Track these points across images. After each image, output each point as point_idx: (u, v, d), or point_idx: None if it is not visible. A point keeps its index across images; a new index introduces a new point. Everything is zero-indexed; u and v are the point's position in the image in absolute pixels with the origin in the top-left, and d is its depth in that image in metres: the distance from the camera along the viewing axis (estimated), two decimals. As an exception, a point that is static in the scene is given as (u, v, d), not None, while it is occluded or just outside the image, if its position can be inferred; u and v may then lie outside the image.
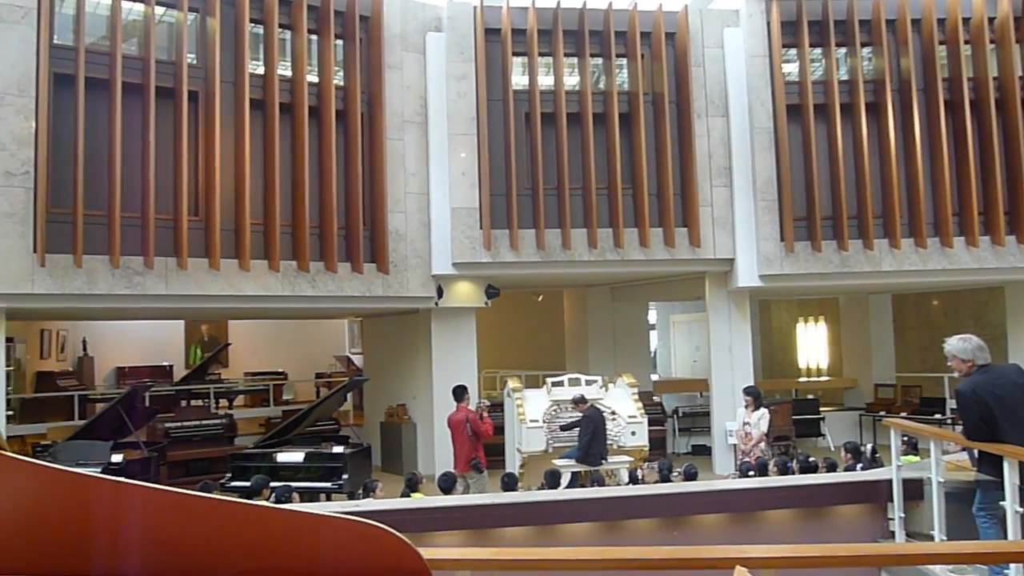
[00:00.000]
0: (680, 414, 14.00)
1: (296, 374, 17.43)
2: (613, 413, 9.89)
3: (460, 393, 9.39)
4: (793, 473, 7.99)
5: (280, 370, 17.45)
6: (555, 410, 9.97)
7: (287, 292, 9.87)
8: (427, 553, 1.83)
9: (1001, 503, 4.75)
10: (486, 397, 12.09)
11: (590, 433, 9.21)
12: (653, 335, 18.59)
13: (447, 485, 7.63)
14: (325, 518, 1.68)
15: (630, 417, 9.85)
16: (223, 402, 15.29)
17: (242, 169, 9.56)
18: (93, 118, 8.78)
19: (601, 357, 14.14)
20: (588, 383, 10.26)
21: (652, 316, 18.62)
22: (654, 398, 13.84)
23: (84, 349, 15.65)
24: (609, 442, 9.58)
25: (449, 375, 11.30)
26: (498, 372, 15.04)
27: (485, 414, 9.28)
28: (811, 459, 8.53)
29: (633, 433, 9.73)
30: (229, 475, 9.37)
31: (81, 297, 8.72)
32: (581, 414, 9.45)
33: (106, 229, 8.80)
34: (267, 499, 7.64)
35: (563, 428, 9.60)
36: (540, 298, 15.27)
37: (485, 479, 8.85)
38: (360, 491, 7.66)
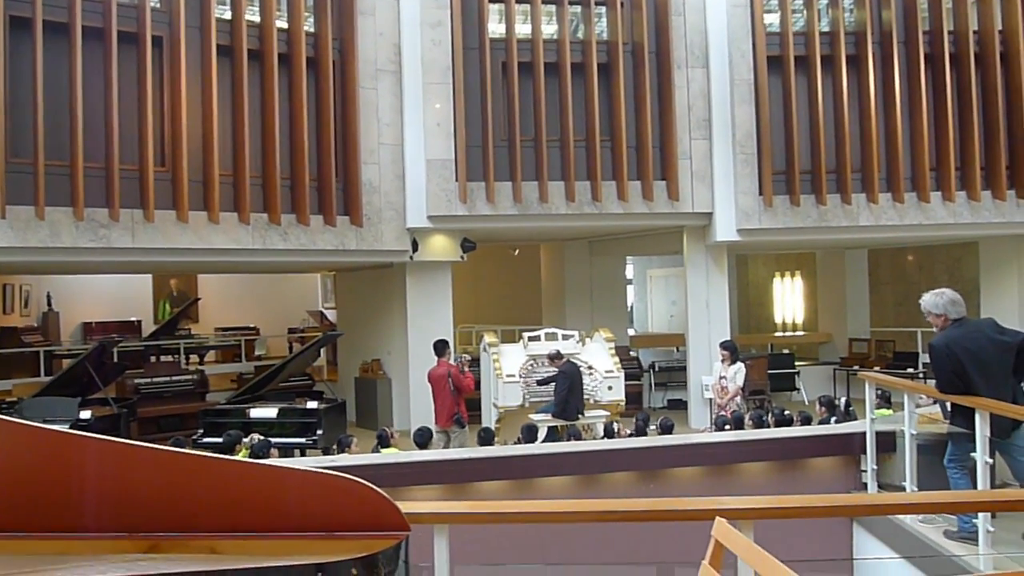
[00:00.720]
0: (656, 368, 14.13)
1: (268, 329, 17.35)
2: (590, 368, 9.97)
3: (441, 348, 9.40)
4: (768, 427, 8.11)
5: (252, 325, 17.35)
6: (532, 365, 10.03)
7: (258, 245, 9.77)
8: (404, 507, 1.84)
9: (972, 455, 4.86)
10: (463, 352, 12.11)
11: (566, 388, 9.28)
12: (630, 290, 18.66)
13: (423, 440, 7.67)
14: (301, 472, 1.68)
15: (607, 372, 9.93)
16: (194, 358, 15.20)
17: (210, 118, 9.36)
18: (53, 64, 8.52)
19: (578, 312, 14.19)
20: (565, 338, 10.31)
21: (629, 271, 18.66)
22: (631, 353, 13.93)
23: (49, 304, 15.43)
24: (586, 397, 9.65)
25: (424, 330, 11.31)
26: (474, 327, 15.06)
27: (467, 368, 9.31)
28: (786, 412, 8.66)
29: (610, 388, 9.82)
30: (201, 431, 9.36)
31: (44, 251, 8.55)
32: (557, 370, 9.52)
33: (69, 180, 8.60)
34: (242, 454, 7.69)
35: (540, 383, 9.65)
36: (516, 252, 15.22)
37: (466, 434, 8.91)
38: (335, 447, 7.68)
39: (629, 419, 8.98)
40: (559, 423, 9.32)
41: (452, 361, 9.34)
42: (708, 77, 11.26)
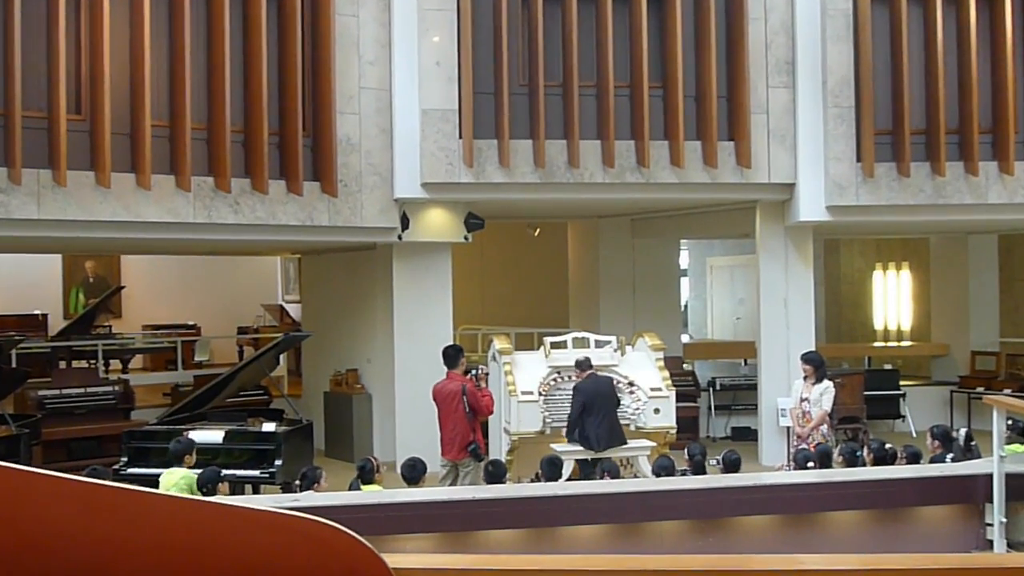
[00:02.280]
0: (718, 387, 14.17)
1: (212, 328, 17.49)
2: (631, 385, 9.96)
3: (454, 356, 9.47)
4: (864, 464, 8.10)
5: (191, 323, 17.50)
6: (555, 379, 10.03)
7: (201, 219, 9.82)
8: (391, 560, 1.84)
9: None
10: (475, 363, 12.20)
11: (579, 410, 9.35)
12: (685, 283, 18.67)
13: (414, 475, 7.70)
14: (258, 514, 1.68)
15: (653, 390, 9.91)
16: (115, 364, 15.34)
17: (140, 54, 9.40)
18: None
19: (616, 311, 14.24)
20: (598, 345, 10.31)
21: (684, 259, 18.69)
22: (684, 366, 13.92)
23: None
24: (626, 422, 9.68)
25: (415, 331, 11.33)
26: (480, 329, 15.12)
27: (484, 384, 9.41)
28: (888, 446, 8.65)
29: (657, 411, 9.79)
30: (124, 459, 9.42)
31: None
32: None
33: (-44, 131, 8.71)
34: (191, 467, 7.92)
35: (571, 426, 9.52)
36: (537, 232, 15.27)
37: (481, 469, 8.95)
38: (297, 481, 7.73)
39: (681, 452, 8.98)
40: (590, 454, 9.34)
41: (468, 374, 9.44)
42: (792, 5, 11.24)
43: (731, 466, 8.20)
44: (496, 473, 8.06)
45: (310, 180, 10.45)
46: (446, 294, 11.66)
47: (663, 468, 8.07)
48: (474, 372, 9.48)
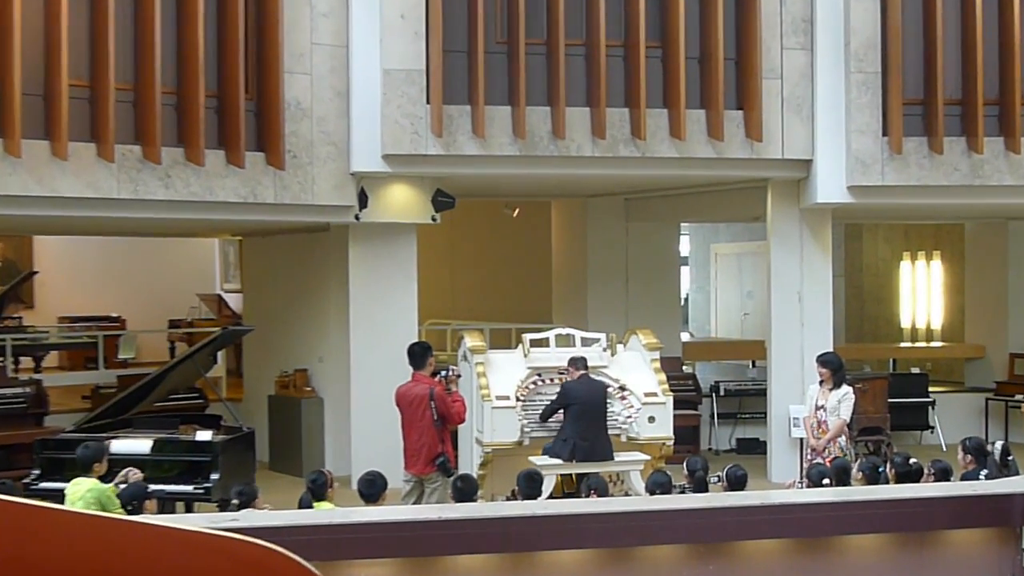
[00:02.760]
0: (722, 392, 14.21)
1: (139, 321, 17.43)
2: (622, 389, 9.99)
3: (420, 356, 9.47)
4: (887, 481, 8.14)
5: (114, 315, 17.44)
6: (536, 383, 10.06)
7: (127, 194, 9.78)
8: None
9: None
10: (444, 364, 12.20)
11: (575, 413, 9.39)
12: (686, 274, 18.72)
13: (373, 491, 7.70)
14: (192, 535, 1.67)
15: (647, 395, 9.93)
16: (26, 362, 15.23)
17: (55, 1, 9.31)
18: None
19: (606, 305, 14.27)
20: (585, 343, 10.33)
21: (685, 245, 18.72)
22: (684, 368, 13.97)
23: None
24: (616, 432, 9.72)
25: (375, 325, 11.35)
26: (450, 324, 15.11)
27: (454, 387, 9.41)
28: (913, 461, 8.70)
29: (651, 419, 9.81)
30: (36, 472, 9.36)
31: None
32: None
33: None
34: (100, 476, 7.83)
35: (544, 416, 9.73)
36: (516, 212, 15.24)
37: (451, 485, 8.95)
38: (234, 500, 7.70)
39: (680, 466, 9.02)
40: (573, 470, 9.38)
41: (436, 376, 9.43)
42: (810, -45, 11.29)
43: (736, 483, 8.24)
44: (467, 490, 8.06)
45: (253, 150, 10.42)
46: (410, 283, 11.66)
47: (659, 485, 8.09)
48: (443, 374, 9.47)
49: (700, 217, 16.40)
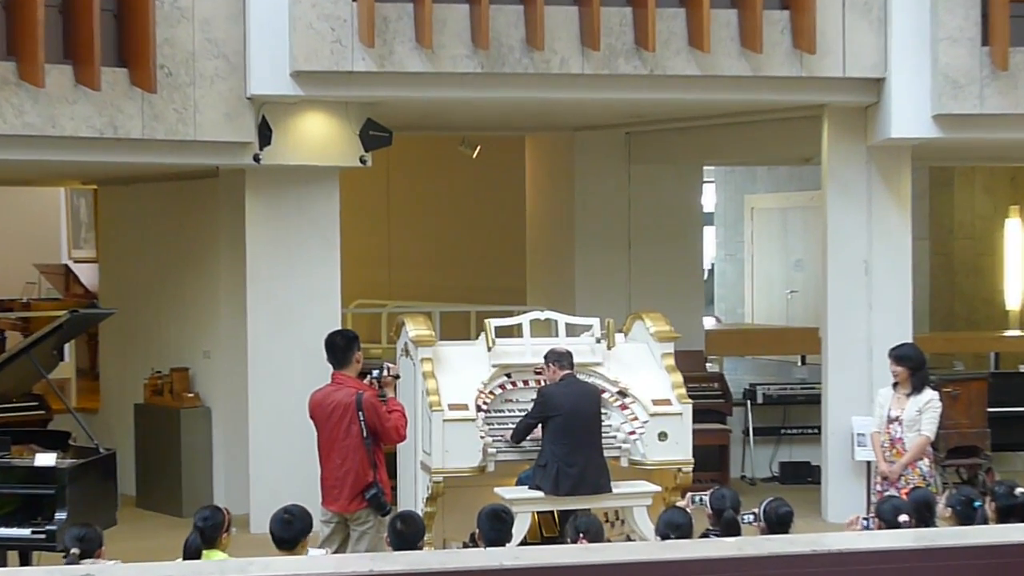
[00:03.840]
0: (760, 399, 14.24)
1: (-46, 302, 17.40)
2: (622, 395, 10.07)
3: (344, 349, 9.37)
4: (984, 520, 8.09)
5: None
6: (504, 386, 10.16)
7: (-65, 124, 9.80)
8: None
9: None
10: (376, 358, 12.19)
11: (536, 419, 9.51)
12: (709, 235, 18.74)
13: (290, 534, 7.65)
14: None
15: (657, 403, 10.00)
16: None
17: None
18: None
19: (601, 279, 14.33)
20: (572, 331, 10.41)
21: (708, 196, 18.72)
22: (708, 365, 14.05)
23: None
24: (614, 454, 9.78)
25: (282, 308, 11.48)
26: (385, 305, 15.14)
27: (391, 392, 9.37)
28: (1020, 492, 8.72)
29: (663, 435, 9.87)
30: None
31: None
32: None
33: None
34: None
35: (517, 435, 9.77)
36: (476, 152, 15.18)
37: (383, 528, 8.86)
38: (74, 549, 7.61)
39: (701, 503, 9.01)
40: (556, 507, 9.44)
41: (366, 378, 9.39)
42: None
43: (779, 523, 8.21)
44: (409, 533, 7.99)
45: (112, 66, 10.38)
46: (331, 250, 11.76)
47: (674, 527, 8.03)
48: (375, 374, 9.38)
49: (730, 158, 16.44)
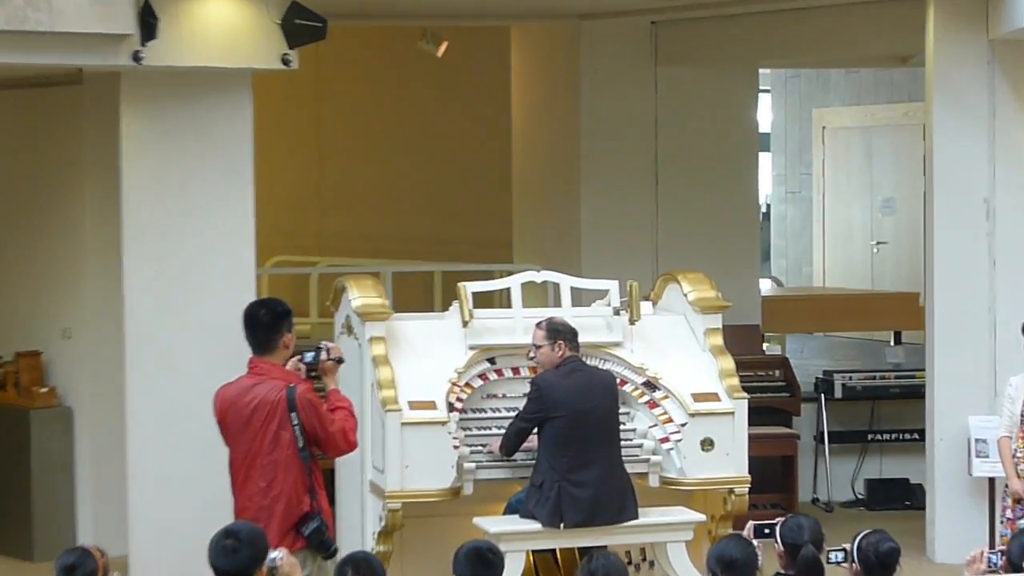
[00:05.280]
0: (838, 392, 14.24)
1: None
2: (650, 387, 10.17)
3: (270, 327, 9.13)
4: None
5: None
6: (484, 375, 10.24)
7: None
8: None
9: None
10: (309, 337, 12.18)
11: (532, 419, 9.58)
12: (765, 164, 18.94)
13: (236, 565, 7.58)
14: None
15: (699, 398, 10.13)
16: None
17: None
18: None
19: (618, 225, 14.43)
20: (579, 299, 10.54)
21: (764, 111, 18.73)
22: (766, 345, 14.15)
23: None
24: (638, 469, 9.86)
25: (173, 268, 11.48)
26: (316, 263, 15.22)
27: (332, 382, 9.21)
28: None
29: (708, 444, 10.01)
30: None
31: None
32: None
33: None
34: None
35: (509, 444, 9.79)
36: (442, 48, 15.18)
37: (327, 568, 8.92)
38: None
39: (765, 536, 9.00)
40: (560, 542, 9.53)
41: (299, 363, 9.25)
42: None
43: (881, 564, 8.06)
44: None
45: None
46: (241, 187, 11.83)
47: (727, 564, 8.06)
48: (308, 358, 9.20)
49: (795, 58, 16.55)
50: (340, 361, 9.38)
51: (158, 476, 11.20)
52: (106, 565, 7.79)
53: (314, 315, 13.49)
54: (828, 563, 8.36)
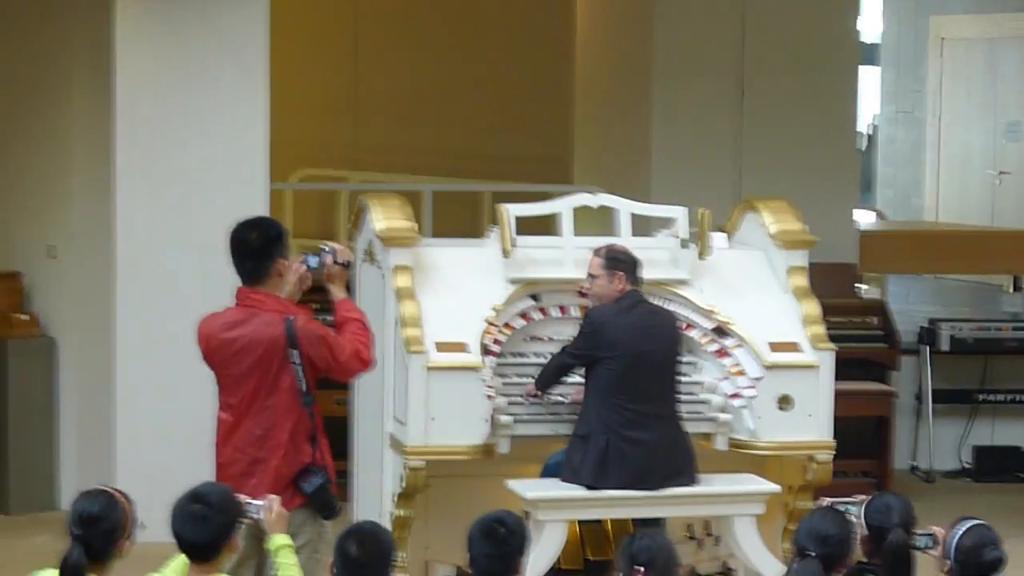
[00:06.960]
0: (944, 344, 14.16)
1: None
2: (719, 332, 10.24)
3: (261, 251, 8.93)
4: None
5: None
6: (526, 313, 10.29)
7: None
8: None
9: None
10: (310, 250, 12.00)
11: (610, 379, 9.64)
12: (871, 79, 18.79)
13: (204, 537, 7.22)
14: None
15: (777, 348, 10.12)
16: None
17: None
18: None
19: (694, 145, 14.38)
20: (640, 226, 10.67)
21: (872, 17, 18.86)
22: (862, 288, 13.96)
23: None
24: (706, 430, 9.93)
25: (169, 180, 11.40)
26: (347, 179, 15.34)
27: (339, 292, 8.99)
28: None
29: (785, 401, 9.94)
30: None
31: None
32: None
33: None
34: None
35: (545, 378, 9.81)
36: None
37: (327, 534, 8.72)
38: None
39: (852, 506, 8.60)
40: (605, 512, 9.78)
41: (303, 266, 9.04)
42: None
43: (975, 557, 7.80)
44: (367, 556, 7.63)
45: None
46: (255, 89, 11.75)
47: (821, 539, 7.62)
48: (311, 261, 9.08)
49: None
50: (347, 265, 9.29)
51: (149, 417, 11.30)
52: (134, 515, 7.29)
53: (343, 238, 13.26)
54: (918, 550, 8.00)
